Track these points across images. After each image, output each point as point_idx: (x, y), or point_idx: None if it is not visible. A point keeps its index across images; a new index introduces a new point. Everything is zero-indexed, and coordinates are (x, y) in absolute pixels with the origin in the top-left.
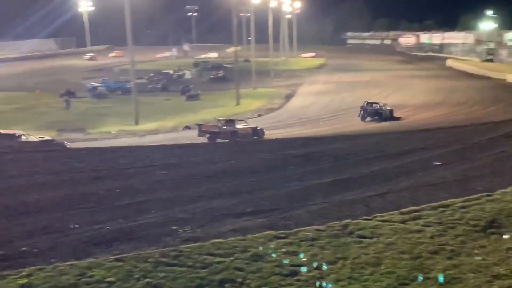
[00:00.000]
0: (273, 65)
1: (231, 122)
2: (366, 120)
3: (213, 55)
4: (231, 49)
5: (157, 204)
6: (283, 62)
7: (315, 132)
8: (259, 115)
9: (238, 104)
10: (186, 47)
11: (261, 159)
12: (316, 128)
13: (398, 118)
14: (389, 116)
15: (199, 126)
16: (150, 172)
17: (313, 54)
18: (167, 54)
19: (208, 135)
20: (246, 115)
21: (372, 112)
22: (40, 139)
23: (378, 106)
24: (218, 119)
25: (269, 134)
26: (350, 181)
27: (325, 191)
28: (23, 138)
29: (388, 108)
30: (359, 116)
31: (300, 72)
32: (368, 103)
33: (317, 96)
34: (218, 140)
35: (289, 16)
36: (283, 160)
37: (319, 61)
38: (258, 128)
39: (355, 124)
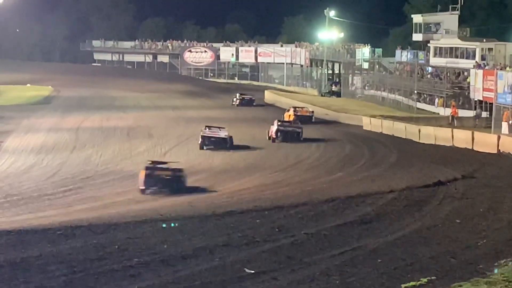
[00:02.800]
0: None
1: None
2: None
3: None
4: None
5: None
6: None
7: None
8: None
9: None
10: None
11: None
12: (34, 214)
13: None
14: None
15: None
16: None
17: None
18: None
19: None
20: None
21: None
22: None
23: (221, 132)
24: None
25: None
26: None
27: None
28: None
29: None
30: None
31: (6, 110)
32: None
33: (40, 154)
34: None
35: None
36: None
37: (43, 91)
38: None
39: (120, 203)
